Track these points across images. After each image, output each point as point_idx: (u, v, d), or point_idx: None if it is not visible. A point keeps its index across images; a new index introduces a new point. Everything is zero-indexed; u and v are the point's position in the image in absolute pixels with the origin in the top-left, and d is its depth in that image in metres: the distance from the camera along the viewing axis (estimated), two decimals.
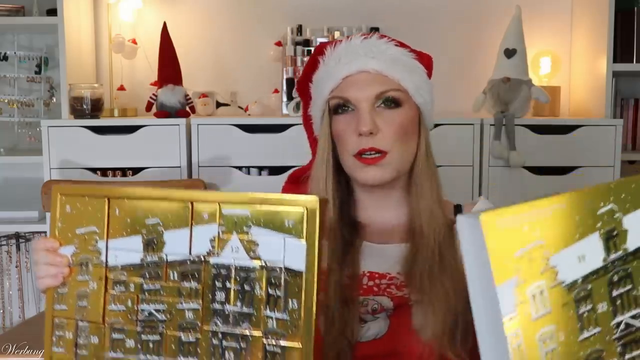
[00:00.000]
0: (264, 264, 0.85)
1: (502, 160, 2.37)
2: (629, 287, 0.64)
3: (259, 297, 0.86)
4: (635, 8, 2.53)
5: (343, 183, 1.16)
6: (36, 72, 2.72)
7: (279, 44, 2.72)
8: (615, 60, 2.45)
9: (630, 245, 0.65)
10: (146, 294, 0.91)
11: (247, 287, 0.86)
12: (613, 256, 0.64)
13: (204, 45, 2.83)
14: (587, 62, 2.65)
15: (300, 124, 1.27)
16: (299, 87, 1.24)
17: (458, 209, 1.19)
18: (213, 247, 0.88)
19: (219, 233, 0.87)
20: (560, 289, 0.62)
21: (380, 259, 1.12)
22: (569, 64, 2.78)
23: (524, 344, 0.60)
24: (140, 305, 0.91)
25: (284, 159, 2.37)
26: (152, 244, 0.91)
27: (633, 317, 0.64)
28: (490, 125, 2.37)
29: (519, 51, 2.43)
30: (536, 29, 2.72)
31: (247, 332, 0.86)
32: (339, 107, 1.12)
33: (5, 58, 2.69)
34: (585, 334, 0.63)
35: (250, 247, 0.86)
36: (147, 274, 0.91)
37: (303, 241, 0.83)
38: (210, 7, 2.83)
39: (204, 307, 0.88)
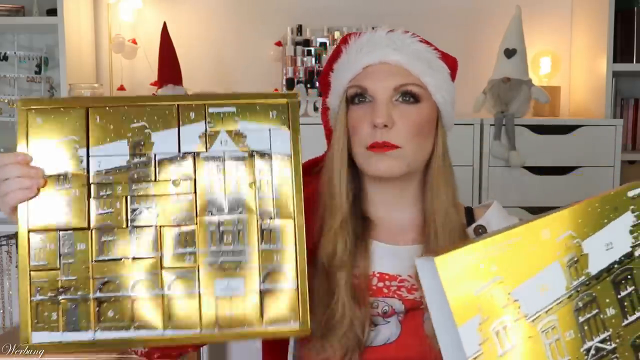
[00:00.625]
0: (252, 153, 0.93)
1: (502, 160, 2.37)
2: (595, 311, 0.64)
3: (250, 182, 0.92)
4: (635, 8, 2.52)
5: (356, 177, 1.13)
6: (36, 72, 2.72)
7: (279, 44, 2.72)
8: (615, 60, 2.45)
9: (592, 269, 0.65)
10: (136, 193, 0.92)
11: (238, 175, 0.92)
12: (576, 282, 0.64)
13: (204, 45, 2.83)
14: (587, 62, 2.64)
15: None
16: (321, 77, 1.21)
17: (469, 212, 1.16)
18: (202, 143, 0.93)
19: (206, 129, 0.93)
20: (524, 323, 0.62)
21: (391, 260, 1.10)
22: (569, 64, 2.78)
23: None
24: (131, 205, 0.92)
25: None
26: (140, 145, 0.93)
27: (602, 341, 0.64)
28: (490, 125, 2.37)
29: (519, 51, 2.43)
30: (536, 29, 2.72)
31: (243, 216, 0.92)
32: (356, 96, 1.09)
33: (5, 58, 2.69)
34: None
35: (238, 140, 0.93)
36: (135, 175, 0.92)
37: (287, 129, 0.94)
38: (211, 7, 2.83)
39: (197, 198, 0.92)
